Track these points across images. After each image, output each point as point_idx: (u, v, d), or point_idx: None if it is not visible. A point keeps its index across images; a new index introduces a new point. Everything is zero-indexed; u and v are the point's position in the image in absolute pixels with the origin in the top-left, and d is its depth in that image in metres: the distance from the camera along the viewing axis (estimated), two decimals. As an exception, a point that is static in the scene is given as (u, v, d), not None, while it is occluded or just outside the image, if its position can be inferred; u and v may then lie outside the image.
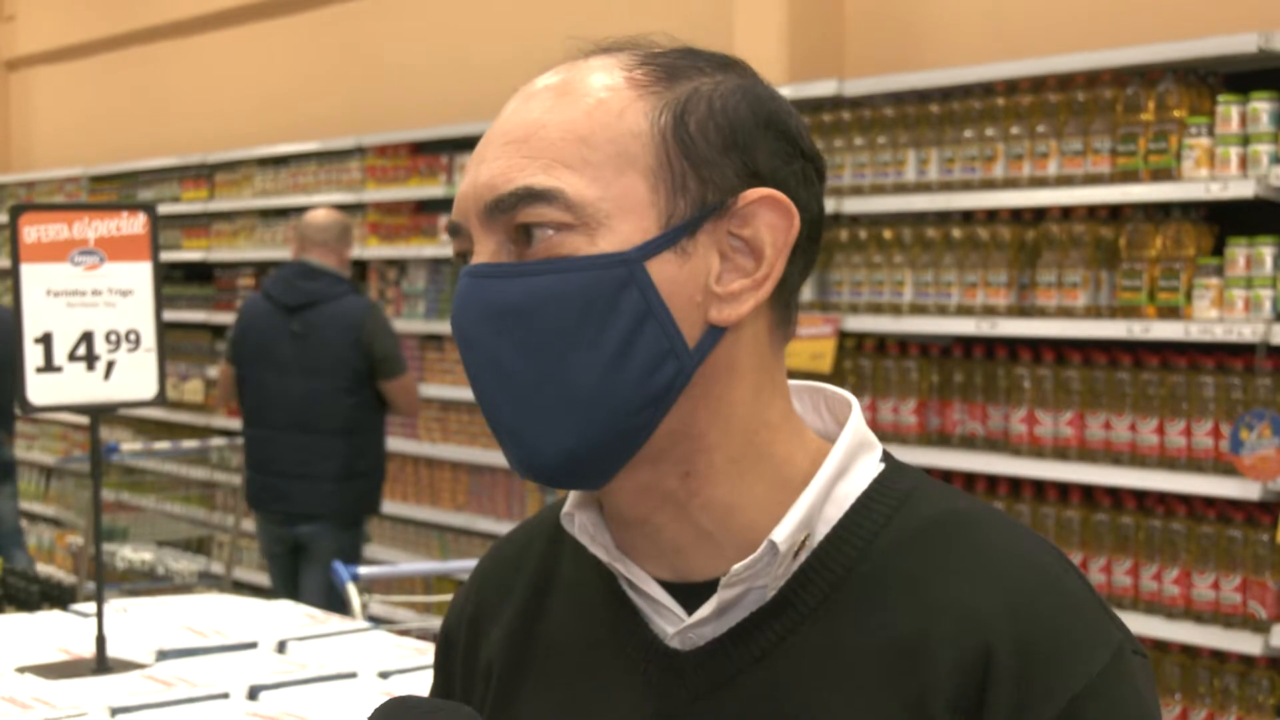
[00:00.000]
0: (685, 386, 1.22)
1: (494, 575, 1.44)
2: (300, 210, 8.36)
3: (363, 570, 4.35)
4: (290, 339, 6.15)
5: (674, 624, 1.27)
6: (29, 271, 2.92)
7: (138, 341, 3.01)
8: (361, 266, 8.12)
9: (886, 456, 1.31)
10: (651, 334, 1.20)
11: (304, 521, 6.21)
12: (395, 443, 7.67)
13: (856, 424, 1.30)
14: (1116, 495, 4.91)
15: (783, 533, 1.22)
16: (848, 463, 1.28)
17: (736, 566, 1.22)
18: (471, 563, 3.06)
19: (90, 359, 2.96)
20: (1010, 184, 5.07)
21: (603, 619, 1.32)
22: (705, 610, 1.25)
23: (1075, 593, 1.22)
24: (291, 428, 6.16)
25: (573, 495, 1.32)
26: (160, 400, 3.04)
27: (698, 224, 1.22)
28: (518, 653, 1.37)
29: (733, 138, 1.24)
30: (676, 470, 1.24)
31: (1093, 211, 4.99)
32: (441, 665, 1.47)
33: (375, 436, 6.37)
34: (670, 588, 1.28)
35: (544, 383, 1.21)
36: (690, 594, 1.27)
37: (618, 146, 1.21)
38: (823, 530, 1.26)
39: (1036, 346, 5.11)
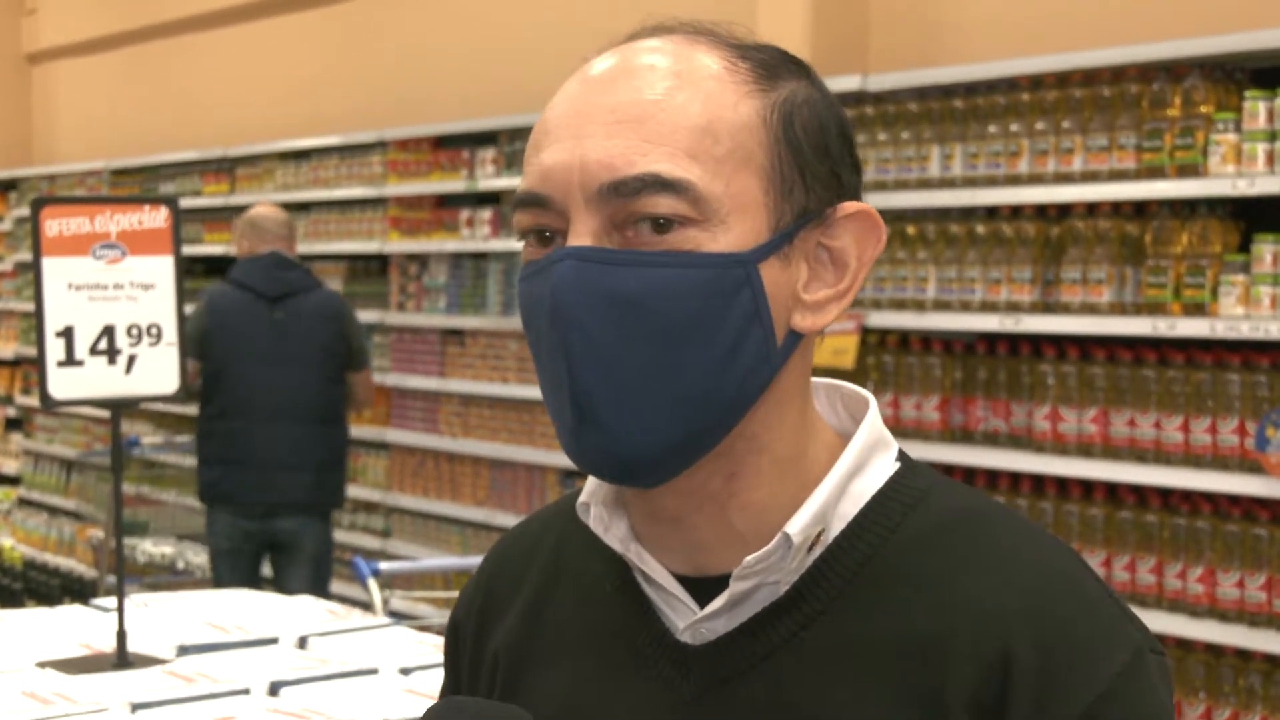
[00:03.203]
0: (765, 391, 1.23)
1: (504, 567, 1.43)
2: (323, 205, 8.38)
3: (384, 565, 4.34)
4: (271, 329, 6.11)
5: (686, 617, 1.27)
6: (50, 265, 2.92)
7: (159, 335, 3.00)
8: (383, 261, 8.13)
9: (902, 456, 1.31)
10: (756, 336, 1.20)
11: (286, 514, 6.13)
12: (416, 437, 7.67)
13: (873, 422, 1.30)
14: (1141, 493, 4.88)
15: (797, 525, 1.22)
16: (863, 460, 1.28)
17: (749, 559, 1.22)
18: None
19: (111, 353, 2.96)
20: (1035, 180, 5.04)
21: (614, 610, 1.32)
22: (717, 604, 1.24)
23: (1093, 593, 1.23)
24: (278, 418, 6.08)
25: (588, 485, 1.31)
26: (181, 394, 3.04)
27: (798, 230, 1.22)
28: (526, 642, 1.37)
29: (825, 145, 1.24)
30: (724, 471, 1.24)
31: (1118, 208, 4.96)
32: (450, 656, 1.46)
33: (346, 426, 6.42)
34: (685, 581, 1.27)
35: (650, 375, 1.19)
36: (704, 588, 1.26)
37: (737, 141, 1.20)
38: (838, 527, 1.26)
39: (1061, 343, 5.08)
